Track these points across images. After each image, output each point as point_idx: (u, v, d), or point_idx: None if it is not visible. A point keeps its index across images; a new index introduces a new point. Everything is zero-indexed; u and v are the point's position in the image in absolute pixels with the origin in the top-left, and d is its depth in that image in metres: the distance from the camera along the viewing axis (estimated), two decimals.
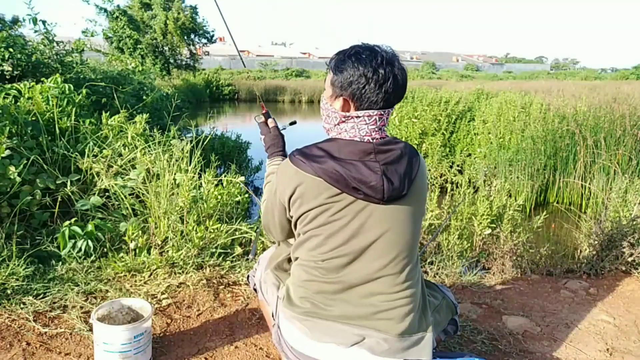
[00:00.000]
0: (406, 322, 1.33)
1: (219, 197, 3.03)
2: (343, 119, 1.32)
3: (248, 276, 1.92)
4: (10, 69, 4.73)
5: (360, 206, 1.27)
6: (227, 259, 2.72)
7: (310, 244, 1.35)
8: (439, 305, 1.60)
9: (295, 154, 1.31)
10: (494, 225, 3.30)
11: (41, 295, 2.18)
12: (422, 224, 1.42)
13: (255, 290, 1.81)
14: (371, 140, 1.29)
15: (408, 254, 1.35)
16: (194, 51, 19.77)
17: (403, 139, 7.71)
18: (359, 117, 1.29)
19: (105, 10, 15.24)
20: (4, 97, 3.60)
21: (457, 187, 3.70)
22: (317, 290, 1.36)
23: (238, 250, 2.79)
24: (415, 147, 7.44)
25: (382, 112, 1.30)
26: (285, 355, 1.47)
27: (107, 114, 3.90)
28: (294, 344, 1.41)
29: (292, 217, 1.37)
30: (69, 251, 2.57)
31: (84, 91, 4.19)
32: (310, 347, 1.37)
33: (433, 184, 3.77)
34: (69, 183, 3.03)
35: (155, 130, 3.67)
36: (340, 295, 1.34)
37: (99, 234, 2.70)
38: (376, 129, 1.30)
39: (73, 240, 2.60)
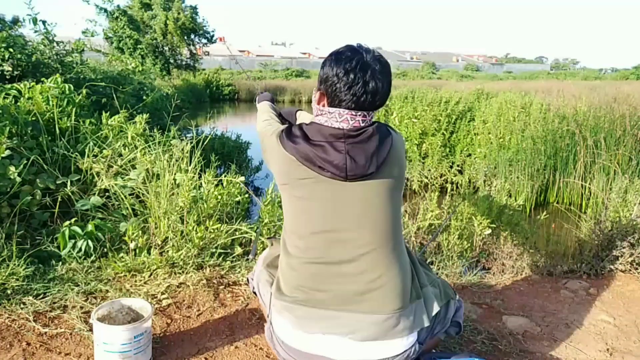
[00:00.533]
0: (398, 299, 1.35)
1: (219, 197, 3.03)
2: (319, 112, 1.41)
3: (248, 279, 1.93)
4: (10, 69, 4.73)
5: (330, 184, 1.34)
6: (227, 259, 2.72)
7: (292, 222, 1.42)
8: (435, 280, 1.62)
9: (283, 130, 1.42)
10: (494, 225, 3.30)
11: (41, 295, 2.18)
12: (401, 199, 1.47)
13: (255, 293, 1.81)
14: (343, 128, 1.36)
15: (390, 231, 1.38)
16: (194, 51, 19.78)
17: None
18: (331, 113, 1.37)
19: (106, 11, 15.25)
20: (4, 97, 3.60)
21: (457, 187, 3.70)
22: (306, 273, 1.38)
23: (238, 250, 2.79)
24: (415, 147, 7.50)
25: (354, 114, 1.35)
26: (277, 352, 1.48)
27: (107, 114, 3.90)
28: (285, 338, 1.42)
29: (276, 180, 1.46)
30: (69, 251, 2.57)
31: (84, 91, 4.19)
32: (300, 339, 1.38)
33: (433, 184, 3.77)
34: (69, 183, 3.03)
35: (155, 130, 3.67)
36: (329, 276, 1.36)
37: (99, 234, 2.69)
38: (349, 126, 1.36)
39: (73, 240, 2.60)
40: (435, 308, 1.49)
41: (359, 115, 1.36)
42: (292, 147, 1.35)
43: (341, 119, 1.36)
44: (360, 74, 1.32)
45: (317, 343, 1.36)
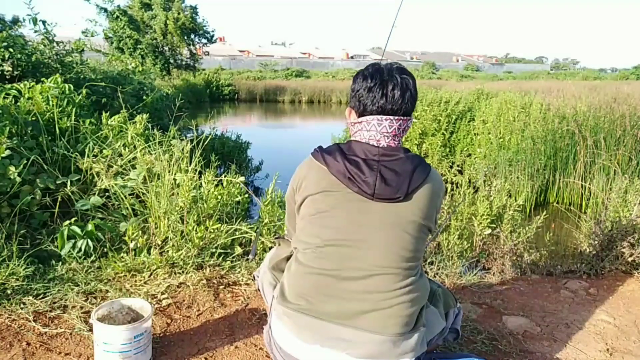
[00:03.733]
0: (400, 325, 1.33)
1: (219, 197, 3.03)
2: (350, 127, 1.47)
3: (254, 276, 1.93)
4: (10, 69, 4.73)
5: (356, 198, 1.35)
6: (227, 259, 2.72)
7: (309, 231, 1.40)
8: (435, 291, 1.61)
9: (316, 148, 1.46)
10: (494, 225, 3.30)
11: (41, 295, 2.18)
12: (426, 240, 1.44)
13: (259, 290, 1.81)
14: (377, 145, 1.38)
15: (405, 260, 1.35)
16: (194, 51, 19.77)
17: (403, 139, 7.75)
18: (360, 123, 1.42)
19: (106, 10, 15.25)
20: (4, 97, 3.60)
21: (457, 187, 3.70)
22: (314, 283, 1.37)
23: (238, 250, 2.79)
24: (415, 147, 7.50)
25: (380, 118, 1.38)
26: (274, 356, 1.48)
27: (107, 114, 3.90)
28: (282, 344, 1.41)
29: (297, 202, 1.46)
30: (69, 251, 2.57)
31: (84, 91, 4.19)
32: (298, 348, 1.37)
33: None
34: (69, 183, 3.03)
35: (155, 130, 3.67)
36: (335, 290, 1.35)
37: (99, 234, 2.69)
38: (378, 134, 1.39)
39: (73, 240, 2.60)
40: (436, 332, 1.50)
41: (386, 120, 1.38)
42: (327, 157, 1.38)
43: (370, 126, 1.39)
44: (377, 76, 1.39)
45: (314, 354, 1.35)
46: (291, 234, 1.62)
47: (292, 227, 1.59)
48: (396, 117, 1.39)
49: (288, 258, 1.60)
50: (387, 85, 1.37)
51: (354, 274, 1.34)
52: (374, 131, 1.39)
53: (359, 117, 1.42)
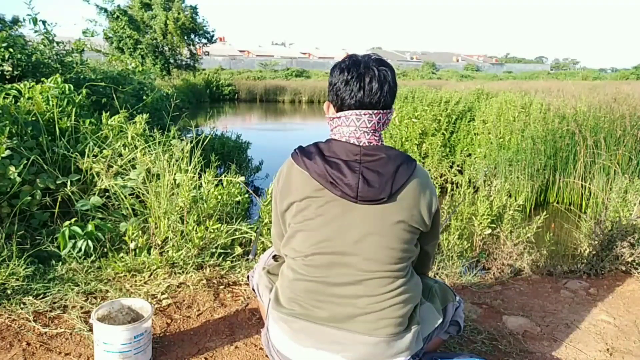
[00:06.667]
0: (393, 326, 1.33)
1: (219, 197, 3.03)
2: (329, 122, 1.42)
3: (248, 276, 1.93)
4: (10, 69, 4.73)
5: (340, 204, 1.32)
6: (227, 259, 2.72)
7: (296, 240, 1.38)
8: (432, 287, 1.60)
9: (295, 149, 1.41)
10: (494, 225, 3.30)
11: (41, 295, 2.18)
12: (414, 240, 1.40)
13: (254, 290, 1.82)
14: (358, 143, 1.34)
15: (396, 260, 1.34)
16: (194, 51, 19.80)
17: (403, 139, 7.75)
18: (339, 118, 1.38)
19: (106, 10, 15.28)
20: (4, 97, 3.60)
21: (457, 187, 3.70)
22: (304, 289, 1.37)
23: (238, 250, 2.79)
24: (415, 147, 7.50)
25: (358, 113, 1.34)
26: (272, 358, 1.48)
27: (107, 114, 3.90)
28: (280, 347, 1.42)
29: (281, 211, 1.43)
30: (69, 251, 2.57)
31: (84, 91, 4.19)
32: (294, 351, 1.38)
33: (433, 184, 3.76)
34: (69, 183, 3.03)
35: (155, 130, 3.67)
36: (326, 295, 1.35)
37: (99, 234, 2.69)
38: (357, 130, 1.35)
39: (73, 240, 2.60)
40: (432, 327, 1.50)
41: (365, 115, 1.33)
42: (307, 162, 1.34)
43: (348, 121, 1.35)
44: (354, 69, 1.33)
45: (310, 357, 1.36)
46: (276, 243, 1.58)
47: (277, 234, 1.54)
48: (375, 111, 1.34)
49: (282, 263, 1.60)
50: (364, 78, 1.32)
51: (343, 280, 1.33)
52: (353, 127, 1.34)
53: (337, 111, 1.38)
